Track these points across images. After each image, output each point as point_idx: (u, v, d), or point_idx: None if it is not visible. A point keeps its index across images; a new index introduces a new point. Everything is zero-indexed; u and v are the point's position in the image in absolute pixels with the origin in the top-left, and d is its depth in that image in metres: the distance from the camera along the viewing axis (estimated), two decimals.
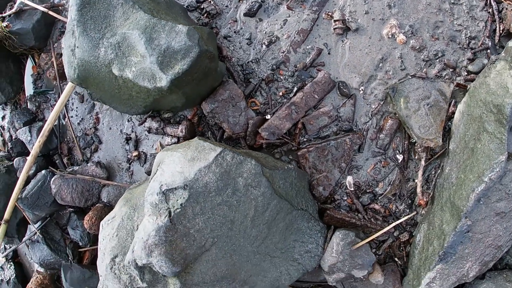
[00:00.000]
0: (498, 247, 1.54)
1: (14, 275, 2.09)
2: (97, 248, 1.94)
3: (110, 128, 1.82)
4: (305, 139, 1.59)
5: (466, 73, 1.60)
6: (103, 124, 1.83)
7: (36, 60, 2.02)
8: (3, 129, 2.04)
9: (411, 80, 1.59)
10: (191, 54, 1.34)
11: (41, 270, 2.05)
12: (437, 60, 1.59)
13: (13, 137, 2.01)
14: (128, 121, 1.78)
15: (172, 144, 1.67)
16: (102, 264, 1.47)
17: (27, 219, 1.89)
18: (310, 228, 1.52)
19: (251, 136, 1.53)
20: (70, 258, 1.96)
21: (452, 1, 1.61)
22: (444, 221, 1.52)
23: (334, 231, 1.55)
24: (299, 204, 1.48)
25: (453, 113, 1.60)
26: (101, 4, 1.46)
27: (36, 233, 1.96)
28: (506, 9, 1.62)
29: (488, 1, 1.58)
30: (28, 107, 2.00)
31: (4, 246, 2.03)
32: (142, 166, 1.76)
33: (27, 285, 2.00)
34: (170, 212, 1.29)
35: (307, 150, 1.56)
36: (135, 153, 1.74)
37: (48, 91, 1.98)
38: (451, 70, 1.60)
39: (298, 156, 1.57)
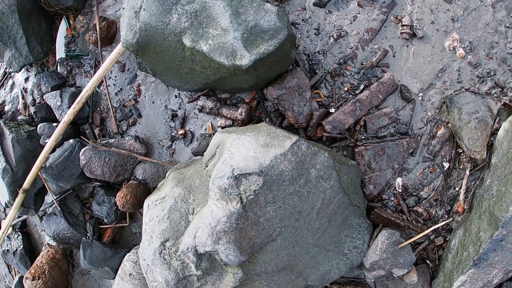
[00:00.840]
0: None
1: (21, 246, 1.88)
2: (120, 227, 1.80)
3: (153, 102, 1.68)
4: (362, 137, 1.58)
5: None
6: (145, 97, 1.69)
7: (71, 22, 1.81)
8: (26, 91, 1.81)
9: (465, 94, 1.63)
10: (280, 36, 1.27)
11: (53, 243, 1.86)
12: (489, 78, 1.64)
13: (36, 101, 1.78)
14: (176, 97, 1.65)
15: (225, 126, 1.58)
16: (149, 248, 1.35)
17: (48, 189, 1.70)
18: (360, 225, 1.51)
19: (314, 128, 1.48)
20: (89, 234, 1.79)
21: (507, 25, 1.66)
22: (481, 229, 1.59)
23: (381, 230, 1.56)
24: (355, 200, 1.46)
25: (497, 129, 1.66)
26: None
27: (54, 204, 1.77)
28: None
29: None
30: (58, 70, 1.78)
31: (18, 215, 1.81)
32: (187, 146, 1.64)
33: (37, 258, 1.81)
34: (241, 198, 1.21)
35: (365, 148, 1.54)
36: (181, 131, 1.62)
37: (82, 55, 1.79)
38: (499, 89, 1.66)
39: (354, 153, 1.55)
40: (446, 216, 1.66)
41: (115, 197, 1.65)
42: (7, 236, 1.91)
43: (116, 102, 1.71)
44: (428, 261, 1.69)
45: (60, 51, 1.79)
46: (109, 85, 1.73)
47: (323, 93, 1.55)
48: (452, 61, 1.62)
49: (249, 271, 1.25)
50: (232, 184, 1.22)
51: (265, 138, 1.29)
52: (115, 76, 1.72)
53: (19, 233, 1.93)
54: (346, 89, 1.55)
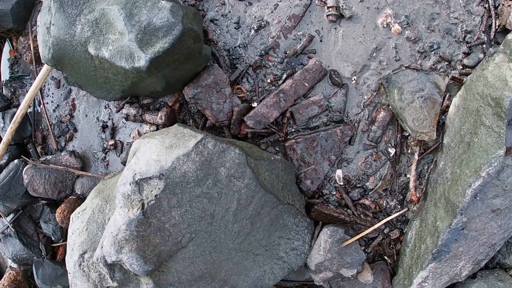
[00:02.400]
0: (492, 245, 1.41)
1: None
2: None
3: (86, 116, 1.63)
4: (293, 130, 1.43)
5: (461, 67, 1.48)
6: (79, 111, 1.65)
7: (14, 44, 1.82)
8: None
9: (406, 72, 1.45)
10: (174, 31, 1.18)
11: (14, 266, 1.84)
12: (432, 53, 1.46)
13: None
14: (105, 107, 1.59)
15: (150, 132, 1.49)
16: (71, 260, 1.28)
17: None
18: (297, 224, 1.36)
19: (236, 125, 1.37)
20: (43, 254, 1.76)
21: None
22: (438, 217, 1.38)
23: (322, 228, 1.40)
24: (286, 198, 1.32)
25: (447, 107, 1.46)
26: None
27: (8, 227, 1.75)
28: (503, 5, 1.50)
29: None
30: (3, 92, 1.79)
31: None
32: (119, 156, 1.58)
33: (0, 281, 1.79)
34: (143, 204, 1.11)
35: (295, 141, 1.40)
36: (111, 142, 1.56)
37: (24, 76, 1.78)
38: (446, 63, 1.47)
39: (285, 148, 1.42)
40: (399, 206, 1.47)
41: None
42: None
43: (55, 118, 1.68)
44: (386, 257, 1.50)
45: (5, 73, 1.80)
46: (47, 103, 1.70)
47: (246, 88, 1.43)
48: (387, 38, 1.46)
49: (161, 281, 1.14)
50: (134, 190, 1.12)
51: (171, 140, 1.19)
52: (52, 93, 1.70)
53: None
54: (269, 81, 1.42)
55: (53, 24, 1.34)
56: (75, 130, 1.65)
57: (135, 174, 1.13)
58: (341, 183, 1.44)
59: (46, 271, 1.69)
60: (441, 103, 1.45)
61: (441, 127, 1.46)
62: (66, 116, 1.66)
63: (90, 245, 1.25)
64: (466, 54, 1.48)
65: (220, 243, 1.19)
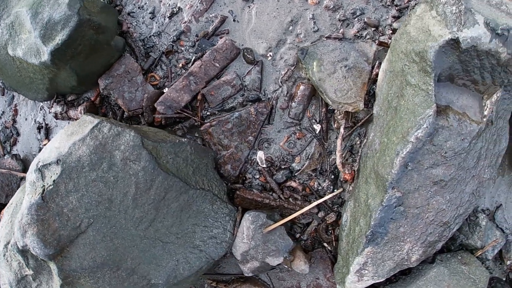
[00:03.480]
0: (444, 224, 1.38)
1: None
2: None
3: (26, 119, 1.87)
4: (209, 113, 1.54)
5: (391, 31, 1.50)
6: (20, 115, 1.89)
7: None
8: None
9: (326, 42, 1.51)
10: (70, 23, 1.37)
11: None
12: (356, 20, 1.51)
13: None
14: (41, 109, 1.81)
15: None
16: None
17: None
18: (215, 211, 1.44)
19: (148, 112, 1.50)
20: None
21: None
22: (369, 195, 1.38)
23: (244, 214, 1.46)
24: (198, 183, 1.41)
25: (377, 75, 1.48)
26: None
27: None
28: None
29: None
30: None
31: None
32: None
33: None
34: (44, 189, 1.27)
35: (210, 125, 1.50)
36: (45, 142, 1.76)
37: None
38: (372, 29, 1.51)
39: (201, 132, 1.51)
40: (333, 187, 1.49)
41: None
42: None
43: (0, 125, 1.93)
44: (325, 244, 1.51)
45: None
46: None
47: (159, 75, 1.57)
48: (303, 10, 1.54)
49: (64, 266, 1.29)
50: (38, 177, 1.30)
51: (73, 128, 1.35)
52: None
53: None
54: (181, 65, 1.55)
55: None
56: (18, 134, 1.88)
57: (38, 162, 1.30)
58: (264, 166, 1.50)
59: None
60: (370, 71, 1.48)
61: (372, 97, 1.48)
62: (10, 121, 1.90)
63: (12, 236, 1.43)
64: (396, 18, 1.50)
65: (121, 229, 1.31)
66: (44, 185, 1.29)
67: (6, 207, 1.58)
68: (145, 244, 1.36)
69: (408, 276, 1.53)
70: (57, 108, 1.68)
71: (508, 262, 1.55)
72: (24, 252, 1.33)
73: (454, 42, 1.18)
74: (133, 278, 1.35)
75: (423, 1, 1.38)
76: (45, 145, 1.79)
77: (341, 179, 1.50)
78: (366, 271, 1.41)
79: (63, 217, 1.28)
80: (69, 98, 1.68)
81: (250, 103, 1.52)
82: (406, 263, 1.41)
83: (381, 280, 1.43)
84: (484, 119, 1.28)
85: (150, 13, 1.66)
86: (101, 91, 1.55)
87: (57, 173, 1.28)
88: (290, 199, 1.49)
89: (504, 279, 1.58)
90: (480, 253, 1.52)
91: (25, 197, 1.33)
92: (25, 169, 1.88)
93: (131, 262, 1.35)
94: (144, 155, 1.32)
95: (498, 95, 1.28)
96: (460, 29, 1.20)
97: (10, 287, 1.41)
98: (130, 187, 1.31)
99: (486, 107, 1.31)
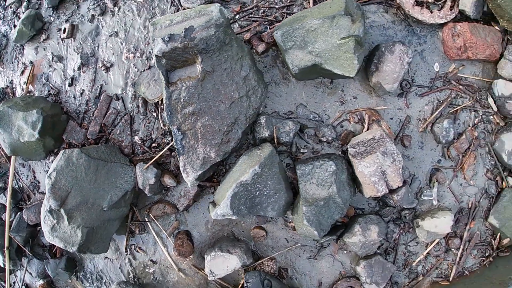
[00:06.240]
0: (217, 131, 3.21)
1: None
2: None
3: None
4: None
5: None
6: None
7: None
8: None
9: None
10: (40, 121, 3.36)
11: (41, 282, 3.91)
12: None
13: None
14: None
15: None
16: None
17: None
18: (124, 169, 3.32)
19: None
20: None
21: None
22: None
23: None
24: (112, 159, 3.30)
25: None
26: None
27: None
28: None
29: None
30: None
31: None
32: None
33: None
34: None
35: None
36: None
37: None
38: None
39: None
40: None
41: None
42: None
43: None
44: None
45: None
46: None
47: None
48: None
49: (65, 208, 3.13)
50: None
51: None
52: None
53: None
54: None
55: None
56: None
57: None
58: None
59: (51, 266, 3.73)
60: None
61: None
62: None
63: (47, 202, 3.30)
64: None
65: (85, 188, 3.20)
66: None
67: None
68: (96, 191, 3.21)
69: (226, 173, 3.27)
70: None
71: (324, 139, 2.89)
72: (50, 211, 3.18)
73: None
74: (94, 207, 3.18)
75: None
76: None
77: None
78: (188, 169, 3.23)
79: (59, 192, 3.16)
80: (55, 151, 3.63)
81: None
82: (210, 159, 3.17)
83: (201, 172, 3.26)
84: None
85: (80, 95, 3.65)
86: (65, 139, 3.49)
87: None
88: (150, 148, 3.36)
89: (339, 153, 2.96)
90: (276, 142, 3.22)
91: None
92: None
93: (91, 199, 3.18)
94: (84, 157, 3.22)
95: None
96: None
97: (49, 234, 3.24)
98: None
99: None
